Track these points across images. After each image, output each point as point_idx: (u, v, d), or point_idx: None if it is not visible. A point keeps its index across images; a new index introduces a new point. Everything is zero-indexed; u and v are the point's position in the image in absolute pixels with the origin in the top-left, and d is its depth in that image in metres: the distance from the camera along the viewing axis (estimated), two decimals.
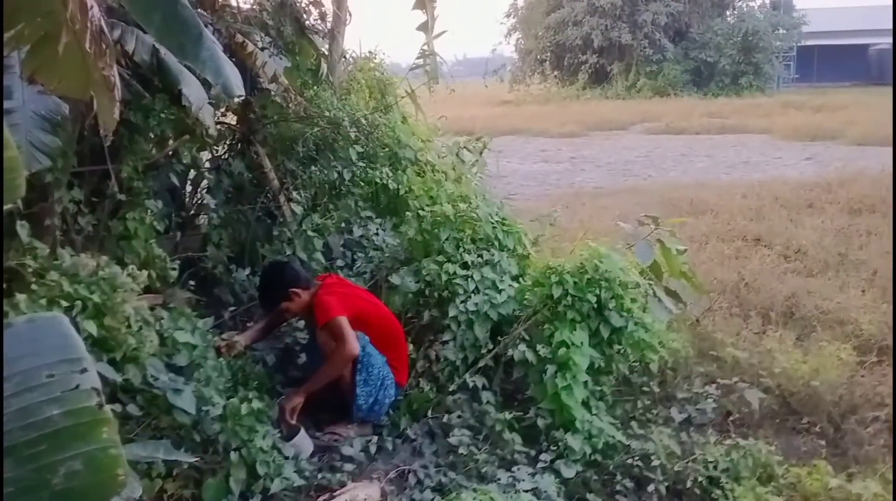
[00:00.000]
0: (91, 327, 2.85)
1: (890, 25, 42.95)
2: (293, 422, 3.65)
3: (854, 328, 5.01)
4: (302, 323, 4.42)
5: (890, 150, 14.94)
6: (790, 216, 8.31)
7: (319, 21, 5.45)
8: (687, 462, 3.61)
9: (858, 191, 9.42)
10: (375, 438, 3.86)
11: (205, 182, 5.01)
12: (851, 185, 9.94)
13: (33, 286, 2.78)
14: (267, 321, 4.22)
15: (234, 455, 3.14)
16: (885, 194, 9.07)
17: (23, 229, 2.99)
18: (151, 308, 3.49)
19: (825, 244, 7.04)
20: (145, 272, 3.13)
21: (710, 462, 3.53)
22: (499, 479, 3.50)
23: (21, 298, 2.65)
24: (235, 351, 3.88)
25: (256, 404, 3.24)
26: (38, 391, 1.61)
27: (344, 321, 3.77)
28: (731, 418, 4.12)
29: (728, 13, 37.81)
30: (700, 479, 3.46)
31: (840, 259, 6.65)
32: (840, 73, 41.50)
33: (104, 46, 1.75)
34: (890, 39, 41.75)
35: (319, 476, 3.53)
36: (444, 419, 3.88)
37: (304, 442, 3.63)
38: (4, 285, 2.77)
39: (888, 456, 3.65)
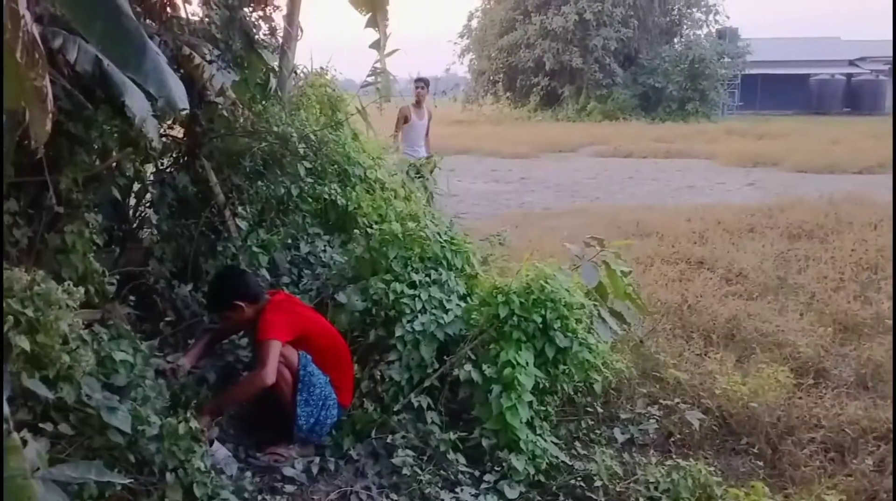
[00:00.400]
0: (24, 343, 2.76)
1: (829, 57, 44.69)
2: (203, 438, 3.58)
3: (792, 350, 5.13)
4: (245, 341, 4.34)
5: (829, 177, 15.48)
6: (732, 240, 8.51)
7: (269, 36, 5.41)
8: (629, 483, 3.65)
9: (798, 217, 9.69)
10: (317, 459, 3.81)
11: (148, 195, 4.91)
12: (791, 211, 10.23)
13: None
14: (209, 337, 4.14)
15: (170, 476, 3.05)
16: (823, 220, 9.35)
17: None
18: (89, 324, 3.40)
19: (765, 268, 7.21)
20: (82, 288, 3.04)
21: (652, 482, 3.56)
22: (442, 500, 3.48)
23: None
24: (181, 374, 3.80)
25: (195, 423, 3.16)
26: None
27: (276, 345, 3.71)
28: (672, 438, 4.18)
29: (676, 41, 38.79)
30: (641, 500, 3.49)
31: (779, 283, 6.82)
32: (782, 101, 42.82)
33: (37, 56, 1.70)
34: (829, 71, 43.36)
35: (259, 497, 3.46)
36: (388, 440, 3.85)
37: (218, 454, 3.56)
38: None
39: (824, 478, 3.73)
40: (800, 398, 4.49)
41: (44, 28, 3.14)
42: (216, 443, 3.62)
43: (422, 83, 9.89)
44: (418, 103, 9.75)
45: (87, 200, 3.81)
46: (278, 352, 3.71)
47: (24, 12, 1.66)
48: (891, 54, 41.12)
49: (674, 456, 3.89)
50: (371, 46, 6.46)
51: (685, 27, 39.54)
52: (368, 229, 4.64)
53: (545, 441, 3.86)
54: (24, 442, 2.59)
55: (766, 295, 6.49)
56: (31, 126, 2.00)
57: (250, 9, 5.22)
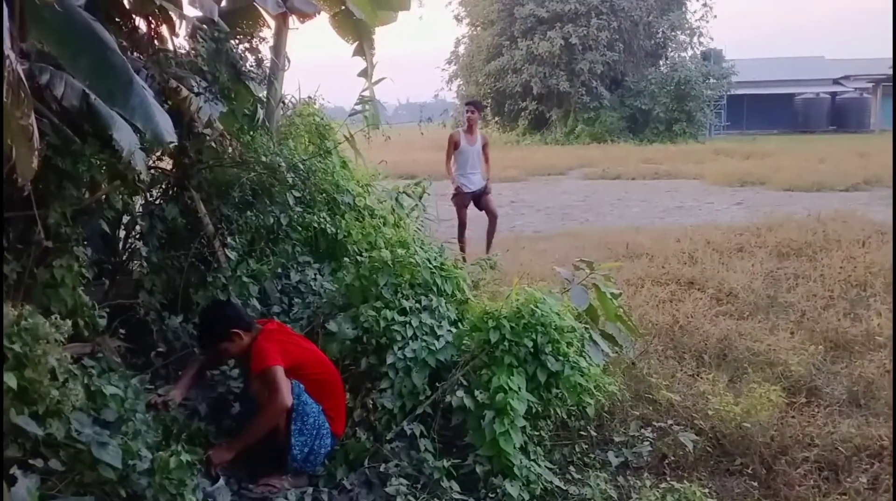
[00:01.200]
0: (11, 379, 2.74)
1: (813, 76, 45.21)
2: (214, 474, 3.56)
3: (783, 369, 5.13)
4: (236, 371, 4.32)
5: (816, 195, 15.59)
6: (722, 260, 8.52)
7: (256, 67, 5.45)
8: None
9: (786, 235, 9.72)
10: (311, 489, 3.78)
11: (137, 228, 4.91)
12: (779, 229, 10.26)
13: None
14: (198, 367, 4.10)
15: None
16: (811, 238, 9.39)
17: None
18: (78, 358, 3.38)
19: (755, 287, 7.23)
20: (69, 322, 3.03)
21: None
22: None
23: None
24: (172, 407, 3.78)
25: (186, 457, 3.14)
26: None
27: (279, 371, 3.71)
28: (666, 461, 4.17)
29: (661, 63, 39.15)
30: None
31: (769, 302, 6.84)
32: (768, 121, 43.26)
33: (22, 96, 1.71)
34: (814, 90, 43.82)
35: None
36: (382, 469, 3.82)
37: (220, 492, 3.54)
38: None
39: (818, 497, 3.73)
40: (792, 417, 4.49)
41: (30, 64, 3.17)
42: (221, 481, 3.59)
43: (471, 107, 9.63)
44: (470, 128, 9.45)
45: (76, 233, 3.81)
46: (282, 375, 3.71)
47: (8, 52, 1.68)
48: (873, 73, 41.67)
49: (668, 479, 3.88)
50: (359, 75, 6.53)
51: (670, 49, 39.93)
52: (358, 257, 4.65)
53: (539, 466, 3.85)
54: (14, 480, 2.58)
55: (756, 314, 6.51)
56: (17, 163, 2.01)
57: (237, 41, 5.27)
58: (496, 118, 39.95)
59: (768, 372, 5.13)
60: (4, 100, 1.63)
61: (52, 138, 3.53)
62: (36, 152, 1.96)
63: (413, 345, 4.20)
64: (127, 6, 4.40)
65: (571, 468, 4.02)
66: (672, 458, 4.17)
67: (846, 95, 44.07)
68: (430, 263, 4.64)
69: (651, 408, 4.62)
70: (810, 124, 42.14)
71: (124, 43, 4.17)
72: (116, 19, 4.35)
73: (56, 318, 2.95)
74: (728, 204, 15.18)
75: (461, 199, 9.31)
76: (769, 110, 44.02)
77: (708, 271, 7.87)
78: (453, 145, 9.36)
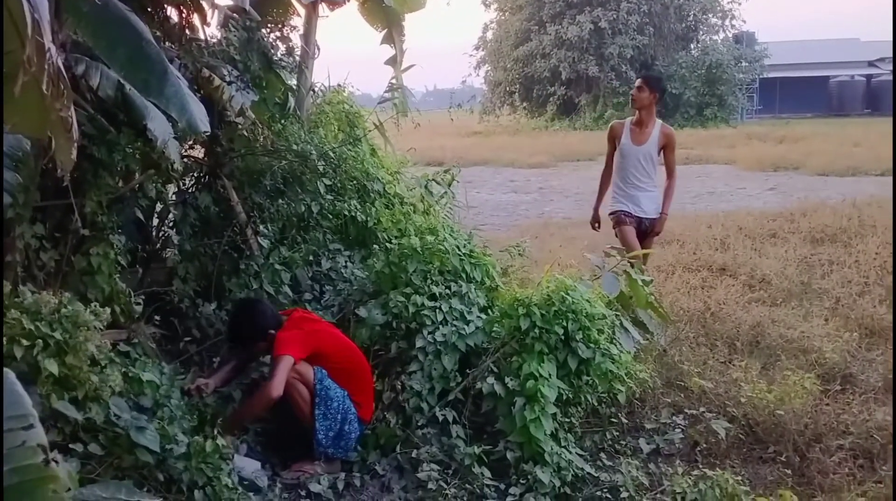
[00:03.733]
0: (52, 365, 2.80)
1: (848, 58, 44.30)
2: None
3: (818, 356, 5.07)
4: (269, 358, 4.38)
5: (851, 180, 15.32)
6: (754, 246, 8.43)
7: (287, 55, 5.48)
8: (655, 494, 3.63)
9: (820, 221, 9.57)
10: (343, 475, 3.83)
11: (171, 216, 4.98)
12: (813, 215, 10.10)
13: None
14: (237, 362, 4.15)
15: (198, 494, 3.09)
16: (846, 223, 9.23)
17: None
18: (115, 344, 3.45)
19: (788, 274, 7.14)
20: (108, 310, 3.09)
21: (678, 492, 3.54)
22: None
23: None
24: (206, 393, 3.84)
25: (221, 441, 3.20)
26: None
27: (286, 360, 3.76)
28: (698, 448, 4.14)
29: (692, 46, 38.59)
30: None
31: (803, 288, 6.75)
32: (801, 104, 42.45)
33: (62, 87, 1.75)
34: (849, 72, 42.97)
35: None
36: (413, 454, 3.86)
37: (242, 463, 3.59)
38: None
39: (853, 485, 3.69)
40: (827, 404, 4.44)
41: (67, 55, 3.21)
42: (245, 458, 3.66)
43: (642, 83, 5.94)
44: (639, 119, 5.97)
45: (112, 222, 3.88)
46: (287, 367, 3.75)
47: (49, 45, 1.71)
48: None
49: (700, 466, 3.86)
50: (387, 63, 6.54)
51: (701, 33, 39.32)
52: (388, 244, 4.67)
53: (570, 452, 3.86)
54: (47, 462, 2.63)
55: (789, 301, 6.43)
56: (56, 154, 2.05)
57: (268, 30, 5.30)
58: (524, 104, 39.73)
59: (802, 359, 5.07)
60: (45, 92, 1.67)
61: (88, 128, 3.59)
62: (74, 144, 2.00)
63: (443, 330, 4.21)
64: None
65: (602, 454, 4.02)
66: (704, 445, 4.14)
67: (882, 78, 43.08)
68: (460, 250, 4.64)
69: (682, 395, 4.60)
70: (845, 107, 41.32)
71: (157, 33, 4.21)
72: (148, 9, 4.40)
73: (96, 306, 3.00)
74: (761, 189, 14.97)
75: (622, 219, 6.12)
76: (802, 93, 43.21)
77: (740, 258, 7.78)
78: (612, 143, 6.13)
